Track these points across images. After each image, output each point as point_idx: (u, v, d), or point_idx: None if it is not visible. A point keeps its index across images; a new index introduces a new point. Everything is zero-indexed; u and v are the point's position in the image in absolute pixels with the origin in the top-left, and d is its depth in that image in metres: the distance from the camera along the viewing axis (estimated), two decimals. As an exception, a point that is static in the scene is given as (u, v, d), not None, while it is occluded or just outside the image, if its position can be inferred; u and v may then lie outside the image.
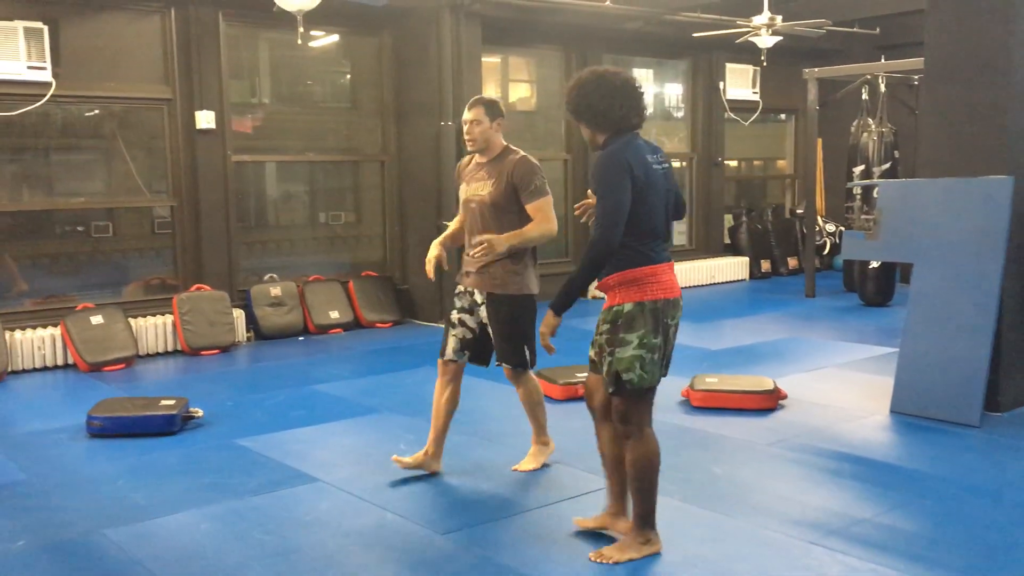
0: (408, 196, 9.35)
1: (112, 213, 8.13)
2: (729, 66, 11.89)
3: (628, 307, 3.37)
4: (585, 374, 6.02)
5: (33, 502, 4.33)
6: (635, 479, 3.49)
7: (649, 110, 11.42)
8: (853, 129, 10.27)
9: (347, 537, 3.84)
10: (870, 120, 10.10)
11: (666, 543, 3.69)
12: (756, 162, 13.56)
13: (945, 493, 4.25)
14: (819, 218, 12.71)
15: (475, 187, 4.39)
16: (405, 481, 4.45)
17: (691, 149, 11.95)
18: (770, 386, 5.76)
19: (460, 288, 4.51)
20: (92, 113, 7.97)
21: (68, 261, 8.04)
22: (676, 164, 12.16)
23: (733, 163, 12.65)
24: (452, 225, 4.71)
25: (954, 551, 3.60)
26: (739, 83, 12.06)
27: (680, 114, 12.14)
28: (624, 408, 3.46)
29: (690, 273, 11.29)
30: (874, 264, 9.61)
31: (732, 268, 11.85)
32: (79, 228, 7.95)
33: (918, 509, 4.07)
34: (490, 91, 9.93)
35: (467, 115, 4.38)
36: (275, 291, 8.53)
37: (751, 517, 3.98)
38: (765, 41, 8.65)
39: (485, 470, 4.66)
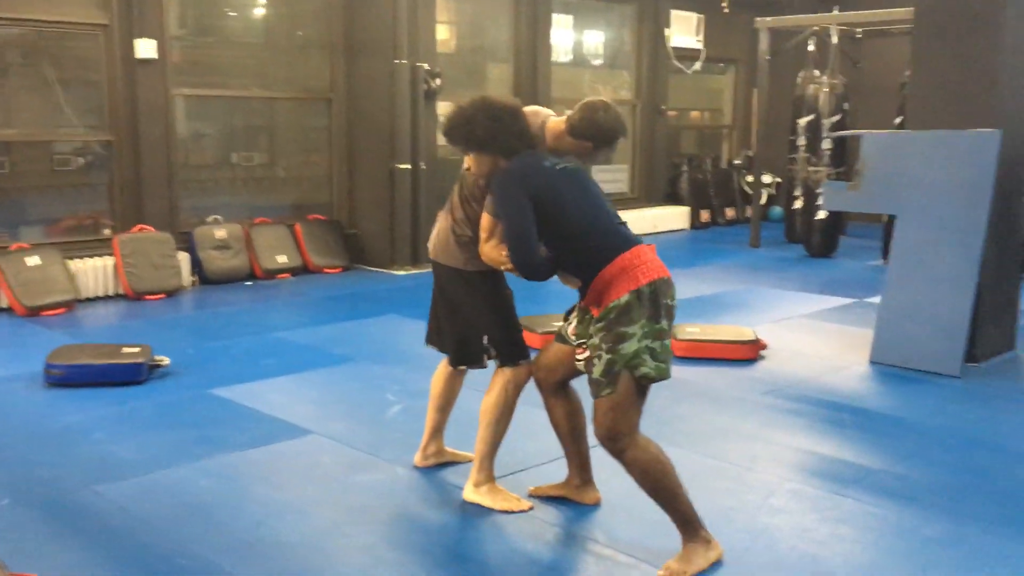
0: (357, 137, 9.00)
1: (35, 146, 7.55)
2: (674, 13, 11.79)
3: (624, 299, 3.03)
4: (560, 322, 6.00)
5: (5, 456, 4.00)
6: (653, 492, 3.09)
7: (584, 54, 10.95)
8: (799, 81, 10.31)
9: (363, 491, 3.65)
10: (816, 71, 10.16)
11: (694, 495, 3.62)
12: (695, 113, 13.55)
13: (948, 444, 4.30)
14: (756, 169, 12.84)
15: None
16: (404, 435, 4.27)
17: (635, 96, 11.84)
18: (751, 336, 5.75)
19: None
20: (20, 37, 7.35)
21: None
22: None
23: (674, 112, 12.60)
24: None
25: (978, 501, 3.64)
26: (683, 31, 11.98)
27: (605, 63, 12.00)
28: (613, 418, 3.03)
29: (632, 222, 11.17)
30: (820, 216, 9.74)
31: (673, 218, 11.87)
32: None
33: (928, 460, 4.10)
34: (444, 31, 9.58)
35: None
36: (220, 233, 8.13)
37: (771, 469, 3.95)
38: (727, -13, 8.56)
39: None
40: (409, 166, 8.63)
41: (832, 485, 3.77)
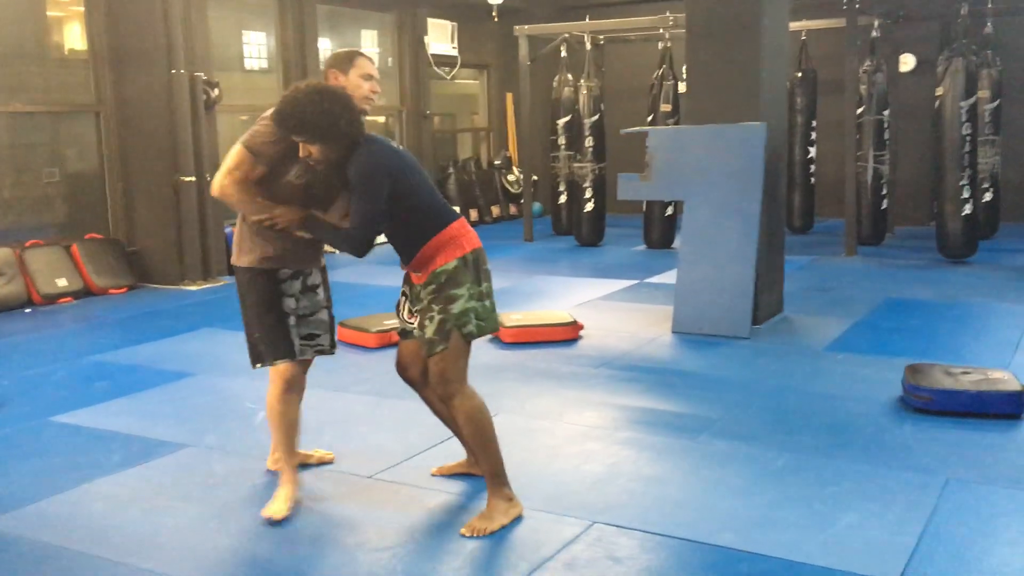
0: (133, 150, 8.63)
1: None
2: (430, 21, 12.20)
3: (452, 264, 3.34)
4: (394, 321, 6.21)
5: None
6: (473, 436, 3.45)
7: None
8: (555, 84, 11.08)
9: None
10: (569, 75, 10.96)
11: (576, 459, 4.03)
12: (439, 117, 14.04)
13: (763, 391, 4.99)
14: (515, 168, 13.57)
15: None
16: (286, 436, 4.34)
17: (400, 103, 12.14)
18: (570, 318, 6.26)
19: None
20: None
21: None
22: (384, 119, 12.31)
23: (438, 117, 13.03)
24: None
25: (806, 435, 4.30)
26: (440, 38, 12.43)
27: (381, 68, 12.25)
28: (443, 367, 3.36)
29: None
30: (588, 209, 10.53)
31: (444, 218, 12.25)
32: None
33: (753, 406, 4.75)
34: (225, 37, 9.36)
35: (375, 70, 3.61)
36: (-10, 259, 7.55)
37: (632, 428, 4.43)
38: (495, -2, 9.05)
39: (378, 416, 4.67)
40: (194, 178, 8.42)
41: (689, 435, 4.31)
